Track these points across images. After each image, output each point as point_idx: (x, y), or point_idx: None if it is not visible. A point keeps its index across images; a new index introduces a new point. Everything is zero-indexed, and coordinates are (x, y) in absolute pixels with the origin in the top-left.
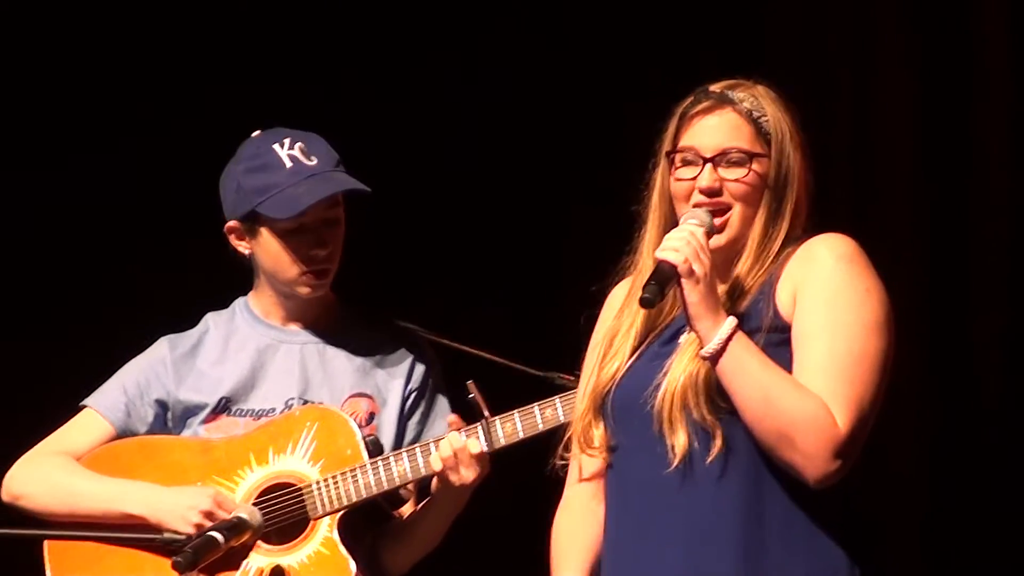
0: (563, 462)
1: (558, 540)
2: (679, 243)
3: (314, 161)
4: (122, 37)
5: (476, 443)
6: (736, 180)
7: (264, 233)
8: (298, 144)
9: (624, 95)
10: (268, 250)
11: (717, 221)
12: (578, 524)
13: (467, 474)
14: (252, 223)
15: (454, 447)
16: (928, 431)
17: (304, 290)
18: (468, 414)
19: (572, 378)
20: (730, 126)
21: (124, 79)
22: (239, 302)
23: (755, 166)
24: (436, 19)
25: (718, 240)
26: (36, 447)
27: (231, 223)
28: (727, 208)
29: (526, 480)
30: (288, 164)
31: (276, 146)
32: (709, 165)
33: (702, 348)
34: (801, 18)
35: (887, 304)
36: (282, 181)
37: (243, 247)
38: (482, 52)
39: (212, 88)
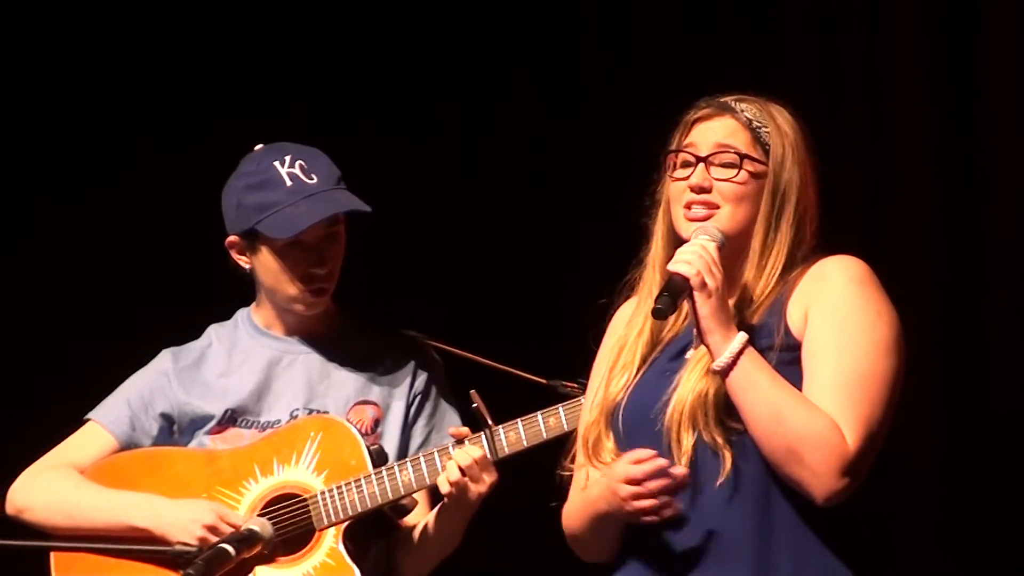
0: (568, 473)
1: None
2: (692, 256)
3: (314, 179)
4: (132, 59)
5: (478, 450)
6: (726, 180)
7: (263, 250)
8: (298, 161)
9: (634, 107)
10: (267, 267)
11: (710, 224)
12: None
13: (478, 488)
14: (252, 240)
15: (462, 464)
16: (941, 442)
17: (301, 307)
18: (471, 423)
19: (576, 386)
20: (727, 129)
21: (126, 100)
22: (241, 314)
23: (747, 167)
24: (440, 33)
25: None
26: (40, 460)
27: (231, 238)
28: (714, 207)
29: (539, 487)
30: (288, 182)
31: (277, 163)
32: (702, 164)
33: (712, 362)
34: (812, 30)
35: (897, 326)
36: (282, 200)
37: (243, 261)
38: (490, 64)
39: (212, 104)
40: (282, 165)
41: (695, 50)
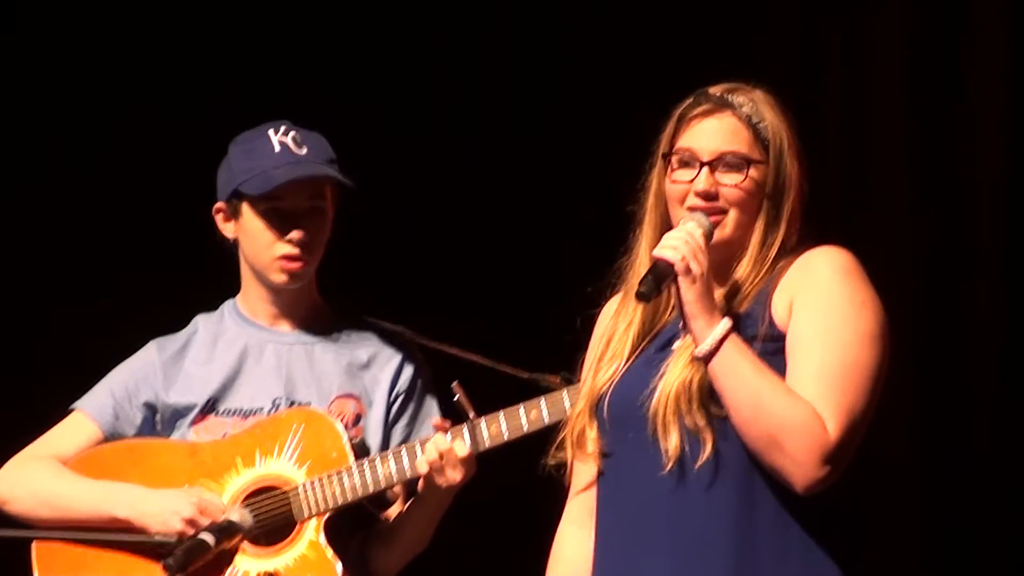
0: (554, 460)
1: (554, 566)
2: (677, 242)
3: (304, 151)
4: (116, 39)
5: (462, 445)
6: (732, 185)
7: (245, 213)
8: (292, 133)
9: (626, 99)
10: (247, 231)
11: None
12: (574, 554)
13: (453, 475)
14: (236, 203)
15: (440, 449)
16: (922, 436)
17: (279, 277)
18: (454, 415)
19: (558, 380)
20: (729, 130)
21: (117, 83)
22: (227, 304)
23: (752, 172)
24: (438, 23)
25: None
26: (23, 451)
27: (218, 205)
28: (722, 212)
29: (518, 480)
30: (277, 148)
31: (271, 132)
32: (706, 169)
33: (696, 348)
34: (793, 25)
35: (882, 317)
36: (267, 164)
37: (228, 230)
38: (484, 52)
39: (205, 91)
40: (275, 134)
41: (680, 29)
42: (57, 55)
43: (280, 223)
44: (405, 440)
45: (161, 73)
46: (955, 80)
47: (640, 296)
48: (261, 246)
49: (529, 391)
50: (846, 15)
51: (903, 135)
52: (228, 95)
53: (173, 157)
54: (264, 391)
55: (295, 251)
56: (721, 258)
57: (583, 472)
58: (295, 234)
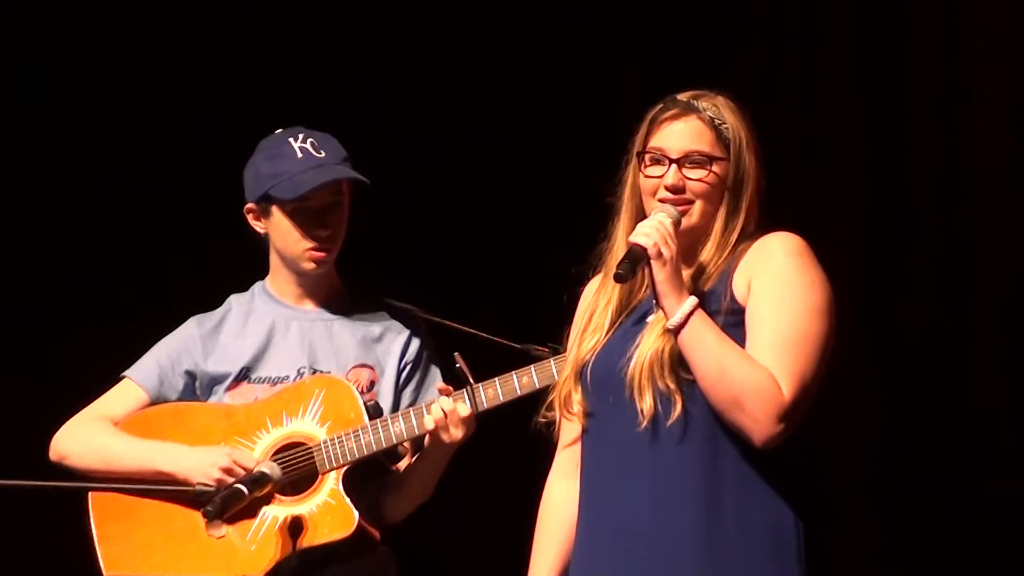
0: (544, 419)
1: (544, 520)
2: (650, 229)
3: (323, 154)
4: (137, 41)
5: (463, 406)
6: (698, 180)
7: (275, 213)
8: (310, 139)
9: (611, 98)
10: (278, 228)
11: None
12: (562, 501)
13: (456, 433)
14: (266, 205)
15: (445, 410)
16: (870, 407)
17: (308, 265)
18: (455, 381)
19: (547, 350)
20: (694, 131)
21: (147, 81)
22: (257, 285)
23: (715, 168)
24: (440, 21)
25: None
26: (80, 413)
27: (249, 204)
28: (689, 203)
29: (513, 437)
30: (299, 155)
31: (291, 139)
32: (675, 166)
33: (667, 322)
34: (756, 57)
35: (830, 294)
36: (292, 169)
37: (259, 227)
38: (478, 50)
39: (233, 88)
40: (295, 141)
41: (655, 52)
42: (94, 45)
43: (307, 220)
44: (413, 403)
45: (185, 70)
46: (898, 91)
47: (618, 277)
48: (292, 241)
49: (521, 360)
50: (806, 45)
51: (851, 142)
52: (247, 89)
53: (211, 153)
54: (290, 361)
55: (322, 244)
56: (688, 243)
57: (569, 430)
58: (321, 231)
